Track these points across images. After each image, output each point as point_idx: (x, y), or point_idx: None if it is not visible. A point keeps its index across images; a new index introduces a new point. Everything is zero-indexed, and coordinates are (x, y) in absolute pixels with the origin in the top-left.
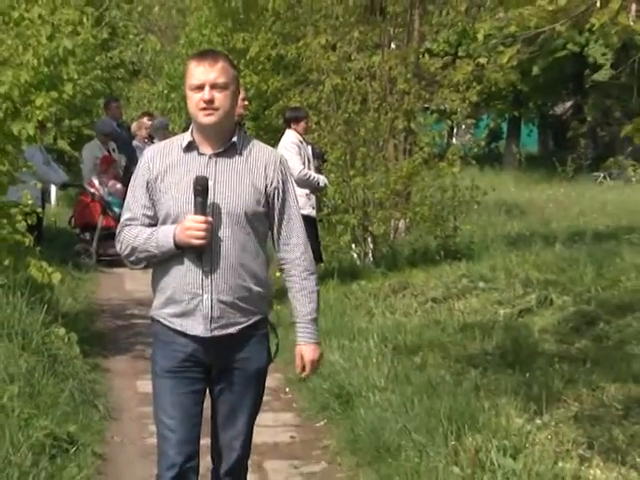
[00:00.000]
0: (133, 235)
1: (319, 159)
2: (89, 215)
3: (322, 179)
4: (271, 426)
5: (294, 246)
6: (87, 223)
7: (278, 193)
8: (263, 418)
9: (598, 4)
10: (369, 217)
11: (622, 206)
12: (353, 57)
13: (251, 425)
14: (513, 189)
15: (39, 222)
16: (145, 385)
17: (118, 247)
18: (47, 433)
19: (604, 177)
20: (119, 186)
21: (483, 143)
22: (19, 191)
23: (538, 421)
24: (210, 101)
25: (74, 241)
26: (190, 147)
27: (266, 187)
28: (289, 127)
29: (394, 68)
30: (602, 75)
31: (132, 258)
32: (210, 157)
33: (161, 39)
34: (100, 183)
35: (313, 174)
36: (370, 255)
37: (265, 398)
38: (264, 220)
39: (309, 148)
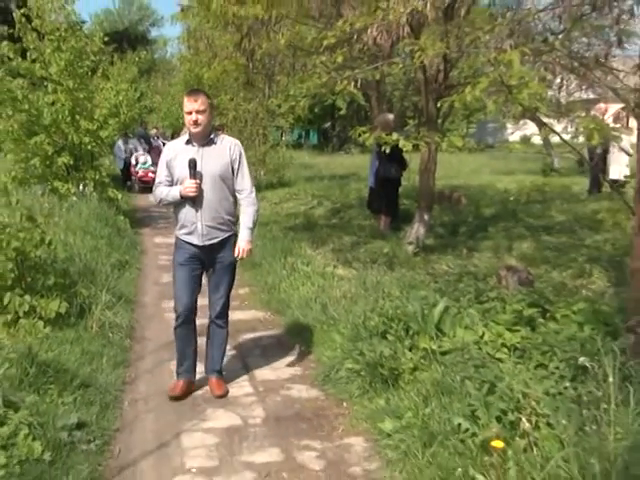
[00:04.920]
0: (160, 191)
1: None
2: (131, 170)
3: None
4: None
5: (244, 189)
6: (131, 174)
7: (237, 161)
8: None
9: (339, 82)
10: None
11: (351, 164)
12: (241, 103)
13: (228, 292)
14: (307, 158)
15: (129, 174)
16: (159, 240)
17: (152, 198)
18: (116, 259)
19: (344, 153)
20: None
21: (295, 139)
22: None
23: (317, 251)
24: (196, 121)
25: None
26: (188, 142)
27: (231, 158)
28: None
29: (258, 108)
30: (342, 112)
31: (161, 204)
32: (199, 147)
33: (161, 96)
34: (136, 158)
35: None
36: None
37: None
38: (231, 178)
39: None
